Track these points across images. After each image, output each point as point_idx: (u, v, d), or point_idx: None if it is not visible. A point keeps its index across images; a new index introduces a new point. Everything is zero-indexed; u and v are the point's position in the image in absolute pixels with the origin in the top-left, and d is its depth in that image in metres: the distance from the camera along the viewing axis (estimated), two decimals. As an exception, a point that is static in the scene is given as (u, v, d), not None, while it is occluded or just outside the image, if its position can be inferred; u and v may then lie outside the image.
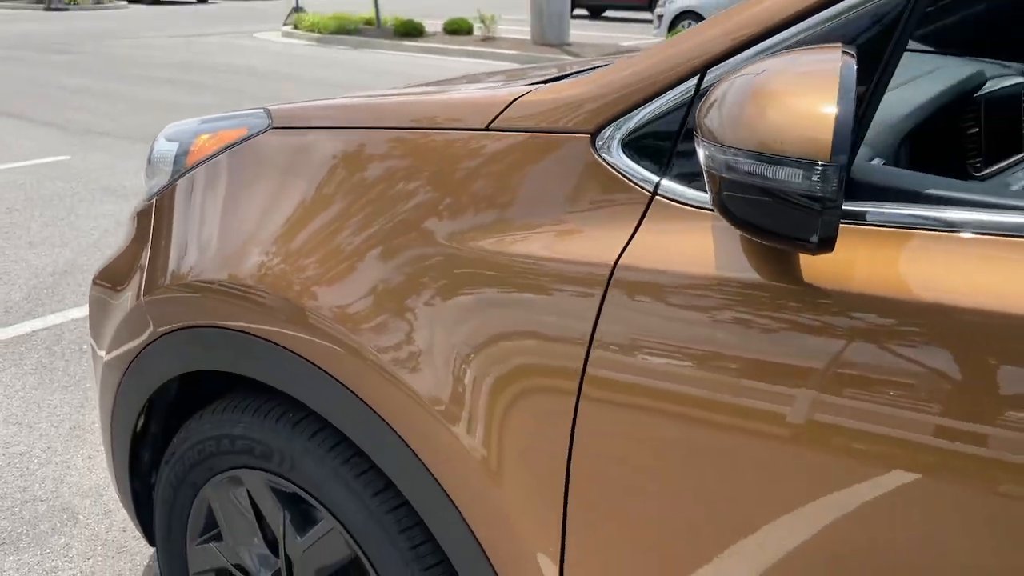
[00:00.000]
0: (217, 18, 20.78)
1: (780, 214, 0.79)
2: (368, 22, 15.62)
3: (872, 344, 0.83)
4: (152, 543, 1.73)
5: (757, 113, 0.79)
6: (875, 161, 1.17)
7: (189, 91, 9.37)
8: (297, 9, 17.29)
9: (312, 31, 15.50)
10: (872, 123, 1.03)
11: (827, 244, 0.79)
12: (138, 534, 2.17)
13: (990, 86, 1.46)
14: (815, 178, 0.76)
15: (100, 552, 2.14)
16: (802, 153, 0.76)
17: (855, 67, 0.78)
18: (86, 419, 2.73)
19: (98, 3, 24.14)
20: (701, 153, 0.85)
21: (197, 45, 14.46)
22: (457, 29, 14.91)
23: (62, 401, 2.84)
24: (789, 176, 0.77)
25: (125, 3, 24.99)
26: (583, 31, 17.15)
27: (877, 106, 0.89)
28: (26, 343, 3.26)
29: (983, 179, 1.56)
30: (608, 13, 22.05)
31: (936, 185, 0.89)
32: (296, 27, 16.22)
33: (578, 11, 21.03)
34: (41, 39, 15.02)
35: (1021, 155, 1.73)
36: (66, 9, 22.80)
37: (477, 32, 14.94)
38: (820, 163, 0.75)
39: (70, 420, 2.73)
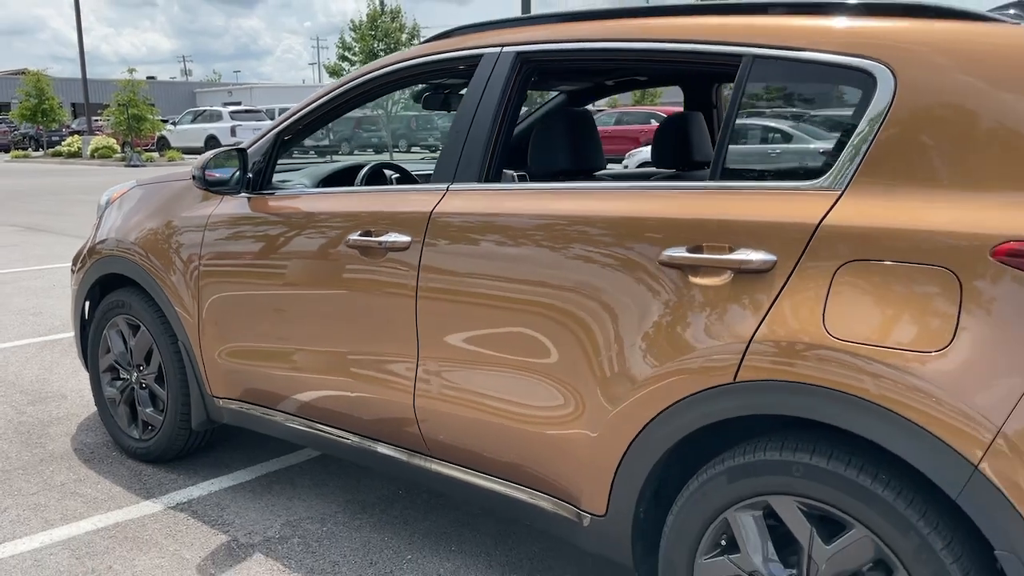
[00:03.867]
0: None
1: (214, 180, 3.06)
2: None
3: (296, 229, 3.02)
4: (87, 369, 3.90)
5: (203, 159, 3.06)
6: (297, 185, 3.39)
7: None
8: (329, 163, 20.43)
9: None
10: (307, 174, 3.30)
11: (217, 193, 3.08)
12: (93, 408, 4.31)
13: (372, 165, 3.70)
14: (199, 174, 3.03)
15: (74, 411, 4.31)
16: (210, 166, 3.02)
17: (246, 150, 3.03)
18: (82, 370, 4.94)
19: (171, 160, 27.99)
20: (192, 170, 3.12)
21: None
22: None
23: (71, 362, 5.07)
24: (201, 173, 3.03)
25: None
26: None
27: (272, 164, 3.12)
28: (59, 342, 5.54)
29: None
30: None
31: (304, 188, 3.12)
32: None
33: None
34: (115, 188, 18.21)
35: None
36: (143, 165, 26.61)
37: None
38: (199, 172, 3.04)
39: (74, 368, 4.95)
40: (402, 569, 2.80)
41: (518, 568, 2.81)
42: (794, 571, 1.93)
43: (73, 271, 3.88)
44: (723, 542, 2.04)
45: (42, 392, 4.55)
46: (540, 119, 2.73)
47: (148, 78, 61.25)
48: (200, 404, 3.35)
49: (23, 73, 38.92)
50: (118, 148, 30.03)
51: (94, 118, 34.57)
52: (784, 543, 1.95)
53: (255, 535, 3.02)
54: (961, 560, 1.71)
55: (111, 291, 3.67)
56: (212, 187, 3.12)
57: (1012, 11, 2.28)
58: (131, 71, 29.10)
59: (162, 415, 3.50)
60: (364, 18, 34.30)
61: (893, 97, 1.87)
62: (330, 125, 27.98)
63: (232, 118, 30.52)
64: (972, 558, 1.70)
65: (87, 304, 3.81)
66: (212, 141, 30.29)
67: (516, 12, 18.80)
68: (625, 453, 2.14)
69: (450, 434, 2.58)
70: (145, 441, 3.60)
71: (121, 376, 3.69)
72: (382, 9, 33.84)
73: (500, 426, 2.43)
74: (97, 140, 30.42)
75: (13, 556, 2.86)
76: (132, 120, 28.50)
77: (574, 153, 2.74)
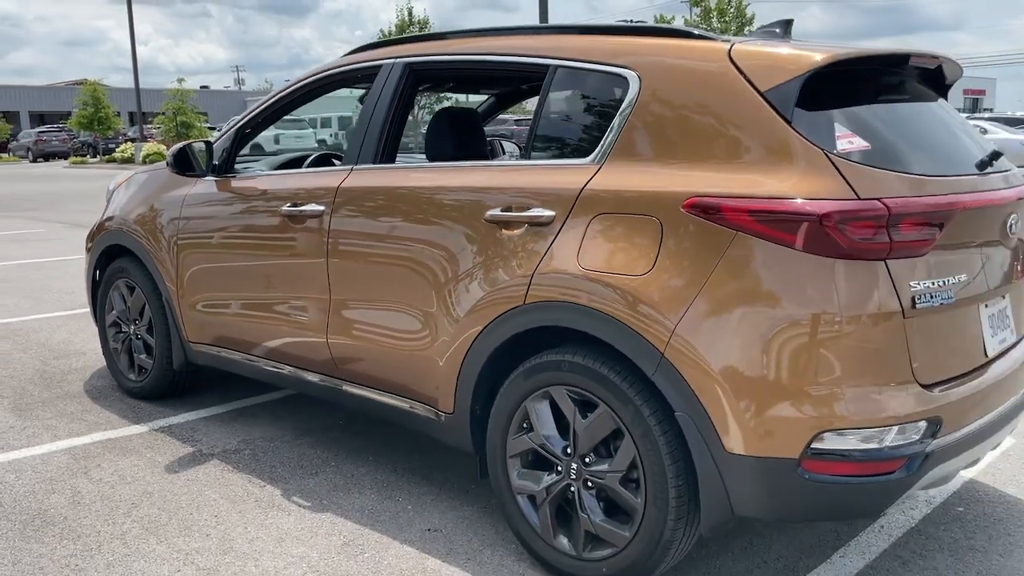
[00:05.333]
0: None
1: (187, 166, 3.84)
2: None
3: (248, 204, 3.79)
4: (96, 323, 4.72)
5: (174, 149, 3.83)
6: (256, 168, 4.15)
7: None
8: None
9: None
10: (267, 162, 4.09)
11: (192, 177, 3.84)
12: (102, 362, 5.13)
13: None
14: (171, 162, 3.81)
15: (90, 364, 5.15)
16: (181, 155, 3.80)
17: (211, 143, 3.81)
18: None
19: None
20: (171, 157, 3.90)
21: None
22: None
23: (94, 329, 5.91)
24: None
25: (238, 165, 30.13)
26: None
27: (234, 153, 3.89)
28: (86, 314, 6.41)
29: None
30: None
31: (248, 171, 3.89)
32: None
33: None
34: (160, 190, 19.38)
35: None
36: (190, 170, 27.95)
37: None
38: (171, 159, 3.81)
39: (95, 333, 5.80)
40: (325, 472, 3.54)
41: (418, 472, 3.54)
42: (567, 442, 2.63)
43: (87, 247, 4.71)
44: (524, 425, 2.74)
45: (66, 350, 5.41)
46: (433, 116, 3.44)
47: (201, 87, 63.22)
48: (180, 348, 4.13)
49: (83, 83, 40.81)
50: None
51: (146, 125, 36.15)
52: (561, 422, 2.65)
53: (215, 448, 3.78)
54: (663, 423, 2.39)
55: (114, 260, 4.49)
56: (185, 172, 3.90)
57: (778, 30, 2.97)
58: (180, 81, 30.58)
59: (152, 359, 4.30)
60: (393, 28, 35.53)
61: (638, 95, 2.56)
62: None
63: (275, 126, 31.70)
64: (667, 421, 2.39)
65: (97, 272, 4.63)
66: (256, 148, 31.51)
67: (554, 18, 19.51)
68: (462, 363, 2.85)
69: (353, 361, 3.32)
70: (140, 382, 4.40)
71: (122, 330, 4.49)
72: (410, 20, 35.01)
73: (385, 351, 3.16)
74: (148, 146, 31.88)
75: (26, 457, 3.67)
76: (181, 127, 29.91)
77: (456, 142, 3.45)
